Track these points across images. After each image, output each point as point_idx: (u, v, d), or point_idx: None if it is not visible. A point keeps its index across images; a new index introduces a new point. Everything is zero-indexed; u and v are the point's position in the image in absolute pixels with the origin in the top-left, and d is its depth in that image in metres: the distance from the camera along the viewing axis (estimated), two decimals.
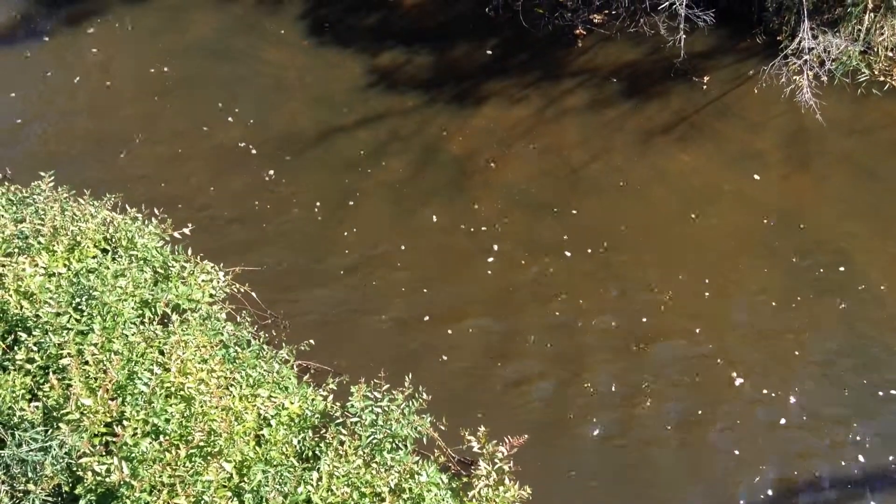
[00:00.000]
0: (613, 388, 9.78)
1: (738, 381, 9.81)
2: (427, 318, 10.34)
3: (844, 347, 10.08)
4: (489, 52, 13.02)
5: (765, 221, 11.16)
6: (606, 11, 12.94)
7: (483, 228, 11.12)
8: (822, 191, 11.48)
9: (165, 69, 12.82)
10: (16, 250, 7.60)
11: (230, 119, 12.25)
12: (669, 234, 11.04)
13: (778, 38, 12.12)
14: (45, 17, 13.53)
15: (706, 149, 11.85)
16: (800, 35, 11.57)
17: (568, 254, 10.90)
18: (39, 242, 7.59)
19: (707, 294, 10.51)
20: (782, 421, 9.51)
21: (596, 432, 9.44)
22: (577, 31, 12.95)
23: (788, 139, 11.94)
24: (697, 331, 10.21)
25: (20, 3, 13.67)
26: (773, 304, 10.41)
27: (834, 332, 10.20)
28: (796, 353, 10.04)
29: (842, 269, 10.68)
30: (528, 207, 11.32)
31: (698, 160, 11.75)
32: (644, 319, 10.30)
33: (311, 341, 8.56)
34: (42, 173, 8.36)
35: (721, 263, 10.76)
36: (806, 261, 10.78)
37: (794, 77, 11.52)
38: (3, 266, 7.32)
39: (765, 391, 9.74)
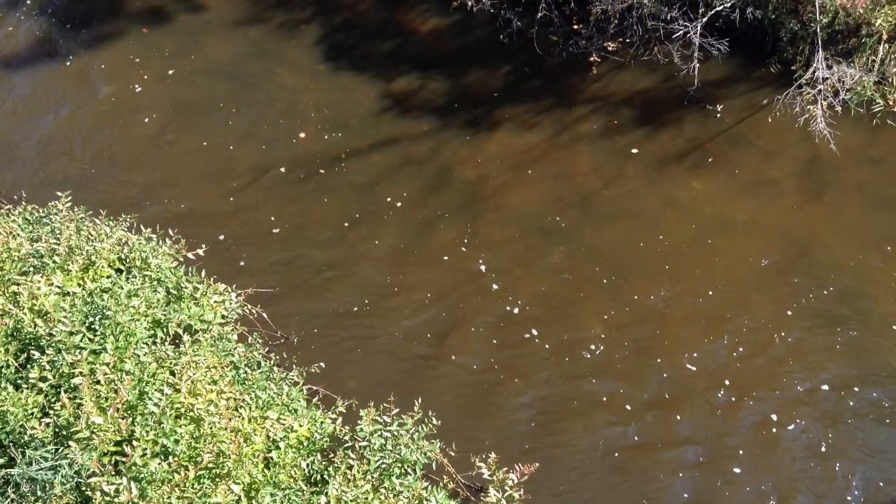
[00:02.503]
0: (619, 412, 9.72)
1: (748, 408, 9.73)
2: (436, 339, 10.33)
3: (855, 377, 9.99)
4: (503, 78, 13.10)
5: (778, 250, 11.12)
6: (621, 39, 13.02)
7: (493, 253, 11.12)
8: (836, 220, 11.43)
9: (182, 92, 12.96)
10: (31, 269, 7.66)
11: (245, 142, 12.35)
12: (682, 261, 11.00)
13: (792, 67, 12.14)
14: (65, 39, 13.74)
15: (719, 177, 11.84)
16: (814, 65, 11.59)
17: (578, 280, 10.87)
18: (54, 262, 7.64)
19: (718, 322, 10.45)
20: (789, 449, 9.42)
21: (601, 451, 9.37)
22: (592, 59, 13.02)
23: (802, 168, 11.92)
24: (708, 357, 10.15)
25: (41, 25, 13.89)
26: (783, 332, 10.35)
27: (845, 362, 10.12)
28: (806, 382, 9.95)
29: (854, 299, 10.61)
30: (541, 233, 11.32)
31: (711, 188, 11.74)
32: (653, 345, 10.26)
33: (322, 364, 8.56)
34: (59, 193, 8.44)
35: (733, 291, 10.71)
36: (819, 290, 10.71)
37: (809, 106, 11.53)
38: (19, 284, 7.38)
39: (774, 418, 9.65)
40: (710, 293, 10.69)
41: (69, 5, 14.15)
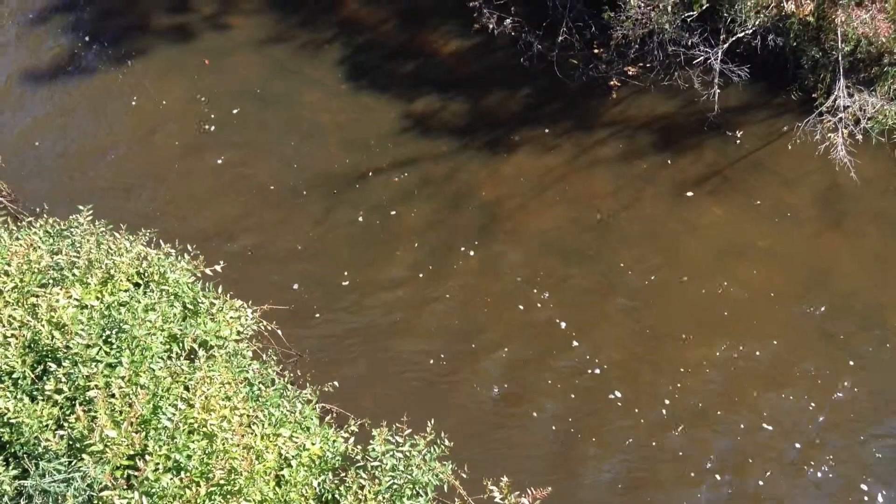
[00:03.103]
0: (639, 438, 9.64)
1: (768, 435, 9.62)
2: (450, 360, 10.30)
3: (878, 409, 9.85)
4: (523, 100, 13.13)
5: (798, 278, 11.03)
6: (641, 64, 13.03)
7: (510, 274, 11.11)
8: (856, 249, 11.33)
9: (206, 109, 13.10)
10: (50, 281, 7.72)
11: (267, 159, 12.45)
12: (701, 288, 10.94)
13: (813, 95, 12.10)
14: (93, 56, 13.93)
15: (739, 203, 11.79)
16: (835, 93, 11.54)
17: (596, 303, 10.83)
18: (74, 274, 7.69)
19: (737, 349, 10.36)
20: (809, 475, 9.29)
21: (618, 483, 9.28)
22: (611, 83, 13.04)
23: (822, 196, 11.85)
24: (725, 389, 10.05)
25: (70, 42, 14.10)
26: (803, 363, 10.24)
27: (866, 393, 9.99)
28: (826, 413, 9.83)
29: (875, 330, 10.49)
30: (557, 255, 11.31)
31: (731, 214, 11.68)
32: (666, 369, 10.18)
33: (335, 383, 8.56)
34: (80, 206, 8.51)
35: (752, 319, 10.62)
36: (838, 320, 10.61)
37: (829, 134, 11.47)
38: (38, 296, 7.44)
39: (785, 446, 9.53)
40: (729, 321, 10.61)
41: (98, 22, 14.37)
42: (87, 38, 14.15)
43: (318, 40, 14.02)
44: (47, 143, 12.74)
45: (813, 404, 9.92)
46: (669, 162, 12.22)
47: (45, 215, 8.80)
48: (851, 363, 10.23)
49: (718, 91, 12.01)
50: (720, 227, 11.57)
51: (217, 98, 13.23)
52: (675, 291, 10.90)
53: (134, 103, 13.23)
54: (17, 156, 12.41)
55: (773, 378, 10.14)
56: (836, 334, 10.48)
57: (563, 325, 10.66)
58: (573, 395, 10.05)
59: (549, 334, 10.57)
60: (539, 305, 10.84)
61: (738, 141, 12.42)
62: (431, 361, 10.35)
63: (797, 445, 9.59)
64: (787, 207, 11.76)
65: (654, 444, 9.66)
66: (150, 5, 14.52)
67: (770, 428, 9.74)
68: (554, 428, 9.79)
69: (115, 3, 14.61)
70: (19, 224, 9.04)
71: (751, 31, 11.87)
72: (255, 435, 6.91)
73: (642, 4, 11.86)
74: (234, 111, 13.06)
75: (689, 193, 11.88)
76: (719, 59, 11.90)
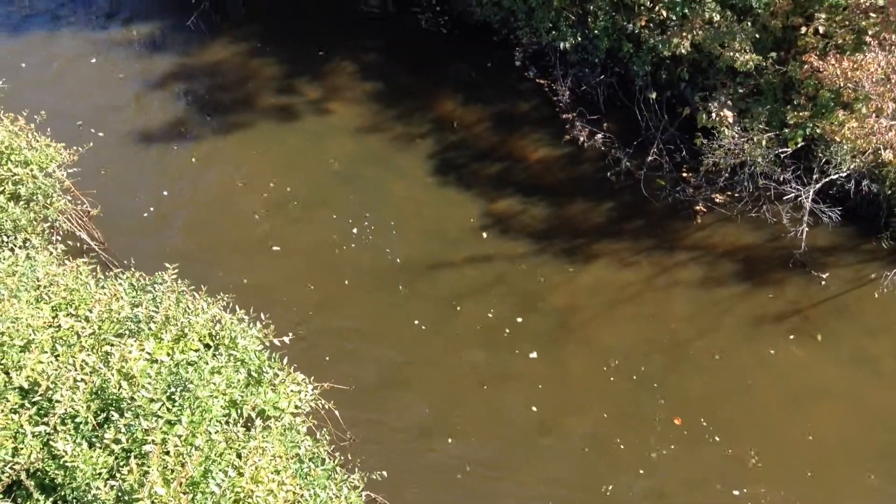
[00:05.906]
0: None
1: None
2: (498, 465, 10.06)
3: None
4: (605, 213, 13.17)
5: (874, 431, 10.50)
6: (729, 193, 12.96)
7: (574, 385, 10.90)
8: None
9: (296, 188, 13.53)
10: (127, 332, 7.92)
11: (349, 241, 12.71)
12: (771, 426, 10.51)
13: None
14: (196, 123, 14.67)
15: (818, 345, 11.40)
16: None
17: (662, 429, 10.49)
18: (150, 328, 7.88)
19: (806, 494, 9.83)
20: None
21: None
22: (697, 208, 12.98)
23: None
24: None
25: (177, 109, 14.89)
26: None
27: None
28: None
29: None
30: (626, 374, 11.06)
31: (809, 355, 11.29)
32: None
33: (384, 473, 8.43)
34: (167, 264, 8.77)
35: (823, 465, 10.11)
36: None
37: None
38: (112, 345, 7.62)
39: None
40: (801, 466, 10.12)
41: (209, 94, 15.17)
42: (196, 108, 14.93)
43: (411, 134, 14.48)
44: (145, 199, 13.31)
45: None
46: (750, 294, 11.96)
47: (132, 268, 9.10)
48: None
49: (807, 229, 11.82)
50: (796, 368, 11.18)
51: (309, 178, 13.68)
52: (746, 429, 10.49)
53: (231, 174, 13.78)
54: (115, 208, 12.97)
55: None
56: None
57: (622, 445, 10.32)
58: None
59: (607, 452, 10.25)
60: (600, 421, 10.55)
61: (823, 282, 12.11)
62: (481, 463, 10.11)
63: None
64: (867, 356, 11.32)
65: None
66: (260, 85, 15.30)
67: None
68: None
69: (227, 78, 15.46)
70: (107, 273, 9.36)
71: (845, 174, 11.74)
72: None
73: (736, 135, 11.90)
74: (324, 191, 13.46)
75: (768, 329, 11.56)
76: (810, 197, 11.76)
